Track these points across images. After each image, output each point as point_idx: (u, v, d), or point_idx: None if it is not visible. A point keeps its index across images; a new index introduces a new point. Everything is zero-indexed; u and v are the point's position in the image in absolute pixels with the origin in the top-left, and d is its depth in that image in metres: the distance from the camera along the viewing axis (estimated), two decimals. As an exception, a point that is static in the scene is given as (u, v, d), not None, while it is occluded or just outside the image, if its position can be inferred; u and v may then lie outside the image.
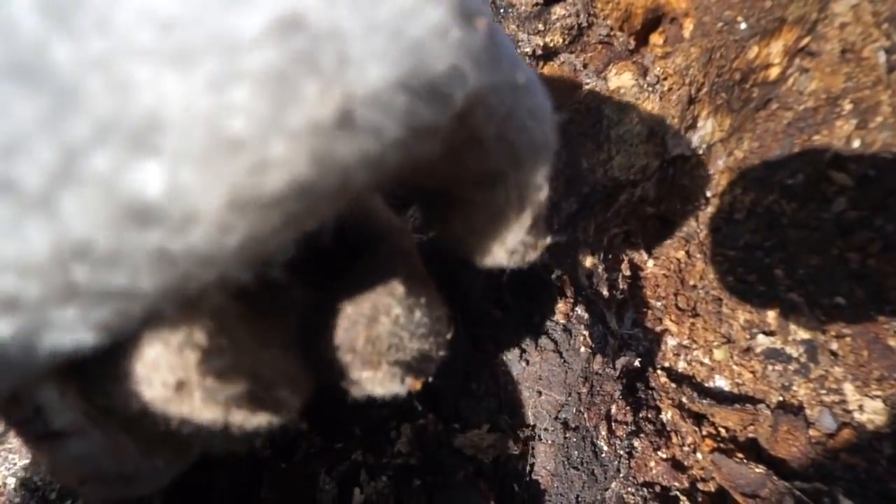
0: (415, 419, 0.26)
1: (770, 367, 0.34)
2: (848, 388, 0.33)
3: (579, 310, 0.27)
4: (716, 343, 0.35)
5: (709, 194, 0.38)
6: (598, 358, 0.27)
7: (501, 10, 0.31)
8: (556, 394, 0.26)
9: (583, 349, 0.26)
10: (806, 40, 0.37)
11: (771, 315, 0.36)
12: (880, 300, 0.36)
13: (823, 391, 0.33)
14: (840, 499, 0.29)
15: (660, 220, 0.37)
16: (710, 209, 0.38)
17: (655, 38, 0.36)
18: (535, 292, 0.27)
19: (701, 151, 0.37)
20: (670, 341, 0.34)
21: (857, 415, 0.32)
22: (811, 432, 0.32)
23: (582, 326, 0.27)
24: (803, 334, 0.35)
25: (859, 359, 0.34)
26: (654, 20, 0.37)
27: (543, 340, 0.26)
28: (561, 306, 0.27)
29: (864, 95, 0.39)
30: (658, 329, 0.34)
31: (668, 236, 0.37)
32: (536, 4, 0.32)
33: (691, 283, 0.37)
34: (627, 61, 0.32)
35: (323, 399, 0.24)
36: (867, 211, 0.39)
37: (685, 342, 0.34)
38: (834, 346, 0.35)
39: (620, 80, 0.32)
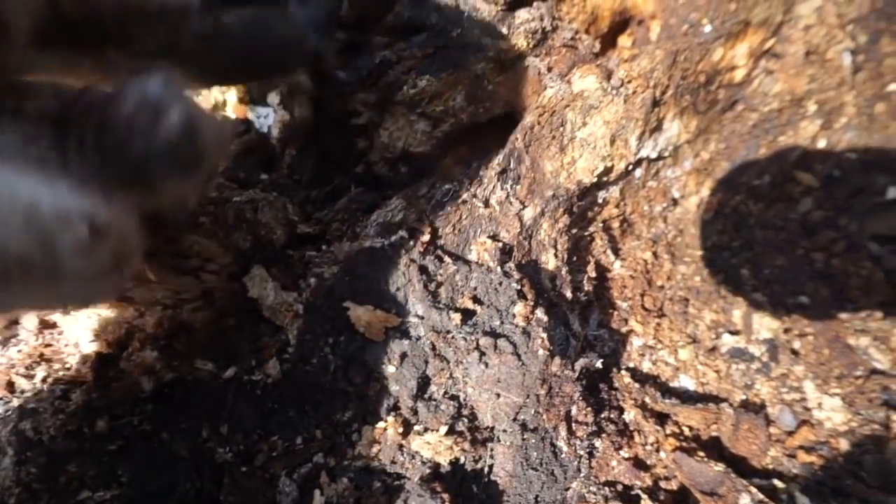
0: (375, 422, 0.27)
1: (734, 367, 0.35)
2: (808, 386, 0.34)
3: (539, 312, 0.27)
4: (681, 343, 0.35)
5: (676, 195, 0.39)
6: (557, 360, 0.27)
7: (465, 15, 0.31)
8: (515, 396, 0.26)
9: (541, 351, 0.26)
10: (771, 42, 0.38)
11: (737, 314, 0.37)
12: (843, 299, 0.37)
13: (785, 389, 0.34)
14: (796, 496, 0.29)
15: (627, 222, 0.37)
16: (677, 210, 0.39)
17: (623, 41, 0.37)
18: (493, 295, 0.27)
19: (667, 153, 0.37)
20: (636, 342, 0.34)
21: (816, 412, 0.33)
22: (771, 430, 0.32)
23: (541, 329, 0.27)
24: (766, 333, 0.36)
25: (820, 357, 0.35)
26: (622, 22, 0.37)
27: (503, 343, 0.27)
28: (521, 309, 0.27)
29: (829, 97, 0.39)
30: (624, 330, 0.34)
31: (636, 237, 0.37)
32: (500, 10, 0.32)
33: (658, 283, 0.37)
34: (591, 64, 0.32)
35: (284, 400, 0.24)
36: (832, 211, 0.40)
37: (651, 342, 0.35)
38: (797, 344, 0.35)
39: (584, 84, 0.32)
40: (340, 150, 0.30)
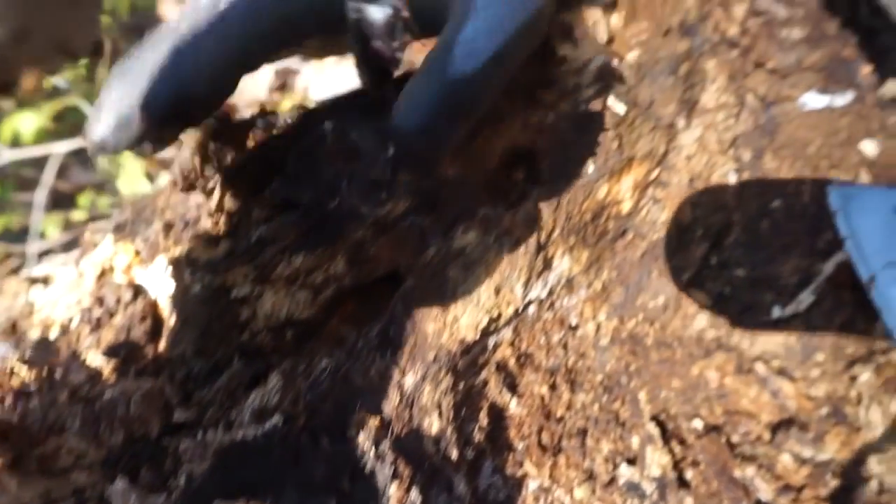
0: None
1: (629, 502, 0.36)
2: (699, 522, 0.35)
3: (414, 493, 0.28)
4: (577, 480, 0.36)
5: (574, 322, 0.40)
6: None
7: (343, 184, 0.32)
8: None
9: (417, 537, 0.27)
10: (656, 172, 0.40)
11: (635, 441, 0.38)
12: (734, 422, 0.38)
13: (677, 527, 0.35)
14: None
15: (523, 356, 0.38)
16: (576, 337, 0.40)
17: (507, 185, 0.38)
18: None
19: (560, 286, 0.38)
20: (531, 484, 0.35)
21: (706, 552, 0.34)
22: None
23: (417, 511, 0.27)
24: (656, 470, 0.37)
25: (709, 488, 0.36)
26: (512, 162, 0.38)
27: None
28: (395, 491, 0.27)
29: (714, 220, 0.41)
30: (518, 474, 0.35)
31: (534, 370, 0.38)
32: (381, 172, 0.33)
33: (558, 414, 0.38)
34: (473, 219, 0.33)
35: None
36: (724, 329, 0.41)
37: (546, 484, 0.35)
38: (689, 474, 0.36)
39: (466, 239, 0.33)
40: (225, 320, 0.30)
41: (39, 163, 0.97)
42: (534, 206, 0.34)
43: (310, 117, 0.34)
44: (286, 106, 0.89)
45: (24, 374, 0.26)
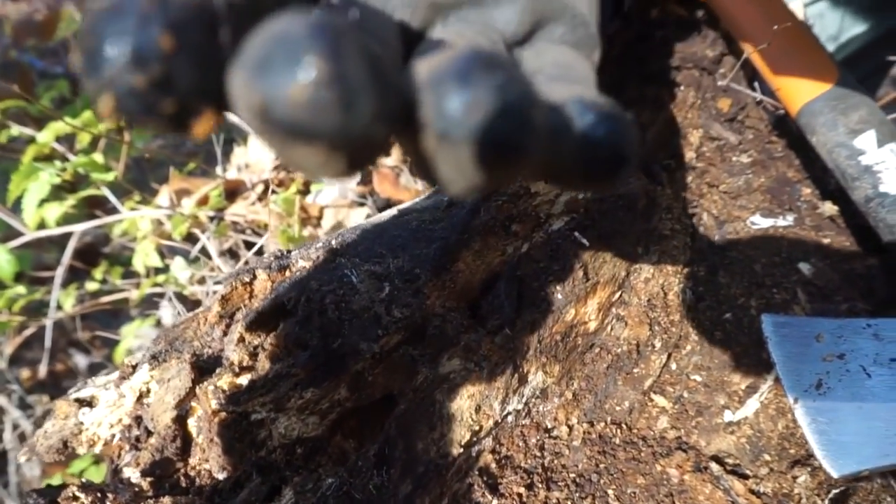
0: None
1: None
2: None
3: None
4: (550, 575, 0.40)
5: (549, 426, 0.45)
6: None
7: (345, 324, 0.37)
8: None
9: None
10: (618, 294, 0.45)
11: (603, 535, 0.42)
12: (692, 518, 0.43)
13: None
14: None
15: (504, 458, 0.43)
16: (551, 438, 0.45)
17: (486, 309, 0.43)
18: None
19: (536, 396, 0.43)
20: (509, 579, 0.39)
21: None
22: None
23: None
24: (620, 566, 0.41)
25: (669, 583, 0.40)
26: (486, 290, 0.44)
27: None
28: None
29: (672, 332, 0.47)
30: (498, 570, 0.40)
31: (513, 470, 0.43)
32: (378, 306, 0.39)
33: (535, 511, 0.42)
34: (457, 347, 0.39)
35: None
36: (683, 430, 0.46)
37: (522, 579, 0.40)
38: (651, 569, 0.41)
39: (451, 365, 0.39)
40: (245, 441, 0.35)
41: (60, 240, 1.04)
42: (510, 332, 0.39)
43: (323, 260, 0.40)
44: (291, 190, 0.95)
45: (82, 497, 0.32)
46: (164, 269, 1.06)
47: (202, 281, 1.08)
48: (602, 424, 0.46)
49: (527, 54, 0.22)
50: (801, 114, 0.49)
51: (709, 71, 0.58)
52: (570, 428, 0.45)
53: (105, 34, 0.11)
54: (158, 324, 1.09)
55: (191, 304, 1.16)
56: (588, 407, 0.45)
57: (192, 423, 0.37)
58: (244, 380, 0.36)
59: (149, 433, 0.37)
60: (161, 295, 1.17)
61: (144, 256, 1.01)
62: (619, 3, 0.60)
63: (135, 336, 1.02)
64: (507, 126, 0.12)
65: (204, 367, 0.38)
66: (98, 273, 1.14)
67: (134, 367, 0.40)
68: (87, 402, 0.39)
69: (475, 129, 0.12)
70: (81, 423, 0.38)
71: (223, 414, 0.35)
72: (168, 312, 1.20)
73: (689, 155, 0.54)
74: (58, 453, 0.37)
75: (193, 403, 0.37)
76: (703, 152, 0.55)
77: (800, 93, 0.49)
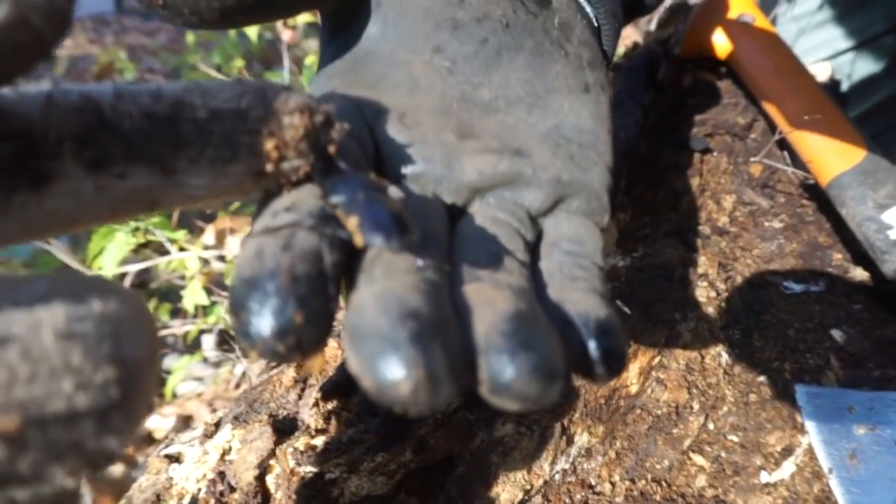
0: None
1: None
2: None
3: None
4: None
5: (593, 483, 0.48)
6: None
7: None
8: None
9: None
10: (658, 359, 0.48)
11: (646, 590, 0.45)
12: (731, 576, 0.45)
13: None
14: None
15: (551, 515, 0.46)
16: (593, 496, 0.47)
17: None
18: None
19: (580, 456, 0.46)
20: None
21: None
22: None
23: None
24: None
25: None
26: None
27: None
28: None
29: (710, 394, 0.49)
30: None
31: (560, 526, 0.46)
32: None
33: (580, 565, 0.45)
34: (510, 413, 0.42)
35: None
36: (721, 489, 0.48)
37: None
38: None
39: (505, 430, 0.42)
40: (320, 498, 0.39)
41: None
42: (558, 398, 0.42)
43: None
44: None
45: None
46: (210, 306, 1.11)
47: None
48: (643, 482, 0.48)
49: (548, 223, 0.27)
50: (831, 186, 0.52)
51: (740, 137, 0.62)
52: (613, 485, 0.48)
53: (252, 315, 0.16)
54: (205, 360, 1.14)
55: (234, 340, 1.21)
56: (630, 465, 0.48)
57: (270, 480, 0.41)
58: (319, 441, 0.40)
59: (231, 488, 0.41)
60: (206, 331, 1.22)
61: (193, 296, 1.06)
62: (653, 74, 0.64)
63: (184, 370, 1.07)
64: (545, 384, 0.17)
65: (281, 429, 0.42)
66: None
67: (216, 426, 0.44)
68: (175, 458, 0.43)
69: (519, 392, 0.17)
70: (171, 478, 0.42)
71: (301, 473, 0.39)
72: (211, 347, 1.24)
73: (723, 220, 0.57)
74: (151, 505, 0.41)
75: (272, 462, 0.41)
76: (736, 217, 0.57)
77: (830, 166, 0.52)
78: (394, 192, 0.20)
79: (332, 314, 0.17)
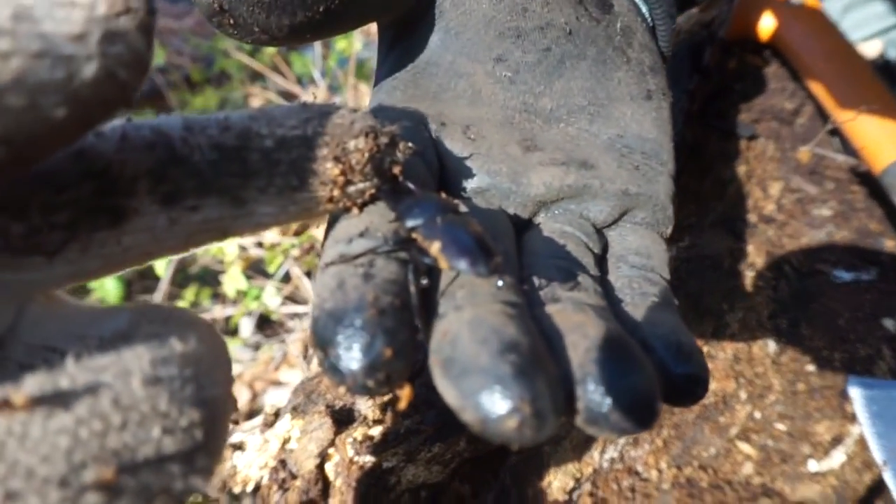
0: None
1: None
2: None
3: None
4: None
5: (640, 470, 0.48)
6: None
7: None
8: None
9: None
10: (706, 349, 0.48)
11: (693, 575, 0.46)
12: (779, 563, 0.45)
13: None
14: None
15: (600, 502, 0.47)
16: (640, 483, 0.48)
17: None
18: None
19: (628, 445, 0.47)
20: None
21: None
22: None
23: None
24: None
25: None
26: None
27: None
28: None
29: (756, 384, 0.49)
30: None
31: (608, 512, 0.46)
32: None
33: (628, 551, 0.46)
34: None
35: None
36: (768, 477, 0.49)
37: None
38: None
39: (556, 420, 0.43)
40: (378, 486, 0.40)
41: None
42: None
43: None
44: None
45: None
46: (248, 291, 1.14)
47: (286, 301, 1.15)
48: (689, 469, 0.49)
49: (613, 235, 0.26)
50: (885, 173, 0.51)
51: (788, 122, 0.61)
52: (660, 472, 0.48)
53: (340, 350, 0.15)
54: (244, 343, 1.17)
55: (273, 323, 1.24)
56: (676, 453, 0.49)
57: (329, 468, 0.42)
58: (376, 431, 0.41)
59: (293, 476, 0.43)
60: (245, 314, 1.25)
61: (233, 281, 1.08)
62: (697, 58, 0.63)
63: (226, 355, 1.10)
64: (644, 414, 0.17)
65: (339, 419, 0.43)
66: (190, 294, 1.23)
67: (276, 416, 0.45)
68: (239, 447, 0.45)
69: (617, 423, 0.17)
70: (235, 466, 0.44)
71: (359, 462, 0.40)
72: (250, 331, 1.27)
73: (770, 208, 0.56)
74: (219, 492, 0.43)
75: (331, 451, 0.42)
76: (784, 205, 0.57)
77: (883, 153, 0.51)
78: (465, 213, 0.20)
79: (419, 345, 0.17)
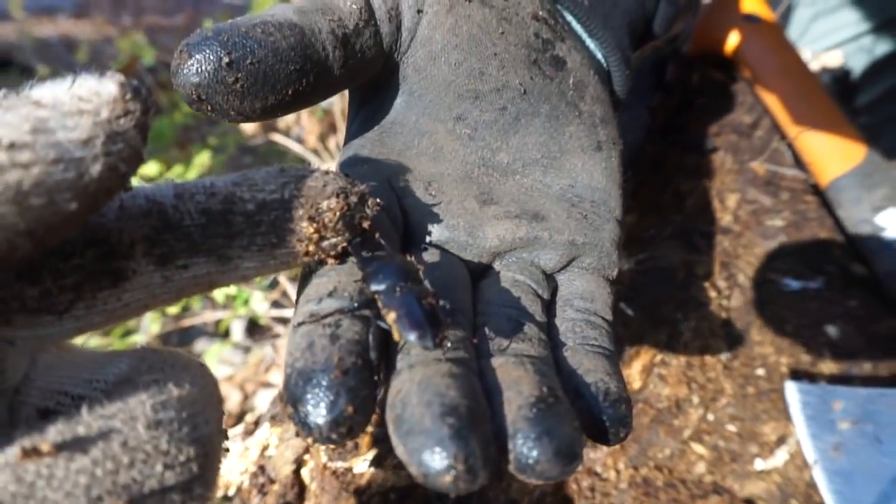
0: None
1: None
2: None
3: None
4: None
5: (599, 471, 0.52)
6: None
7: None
8: None
9: None
10: (660, 357, 0.52)
11: (647, 567, 0.49)
12: (726, 555, 0.49)
13: None
14: None
15: (561, 501, 0.50)
16: (599, 482, 0.52)
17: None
18: None
19: (587, 447, 0.50)
20: None
21: None
22: None
23: None
24: None
25: None
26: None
27: None
28: None
29: (709, 388, 0.53)
30: None
31: (568, 510, 0.50)
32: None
33: (587, 545, 0.49)
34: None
35: None
36: (719, 475, 0.52)
37: None
38: None
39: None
40: (350, 489, 0.43)
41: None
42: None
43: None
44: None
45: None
46: (237, 294, 1.16)
47: (273, 306, 1.18)
48: (646, 469, 0.52)
49: (562, 279, 0.29)
50: (829, 188, 0.54)
51: (746, 135, 0.63)
52: (618, 472, 0.52)
53: (308, 407, 0.17)
54: (235, 346, 1.20)
55: (262, 328, 1.26)
56: (633, 454, 0.52)
57: (305, 473, 0.45)
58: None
59: (271, 480, 0.46)
60: (235, 317, 1.28)
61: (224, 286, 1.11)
62: (661, 74, 0.66)
63: (218, 359, 1.12)
64: (566, 465, 0.19)
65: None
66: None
67: (256, 424, 0.48)
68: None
69: (542, 472, 0.19)
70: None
71: (332, 467, 0.43)
72: (240, 334, 1.30)
73: (727, 219, 0.59)
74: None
75: (306, 457, 0.46)
76: (740, 216, 0.60)
77: (829, 168, 0.54)
78: (422, 285, 0.21)
79: (376, 399, 0.19)
